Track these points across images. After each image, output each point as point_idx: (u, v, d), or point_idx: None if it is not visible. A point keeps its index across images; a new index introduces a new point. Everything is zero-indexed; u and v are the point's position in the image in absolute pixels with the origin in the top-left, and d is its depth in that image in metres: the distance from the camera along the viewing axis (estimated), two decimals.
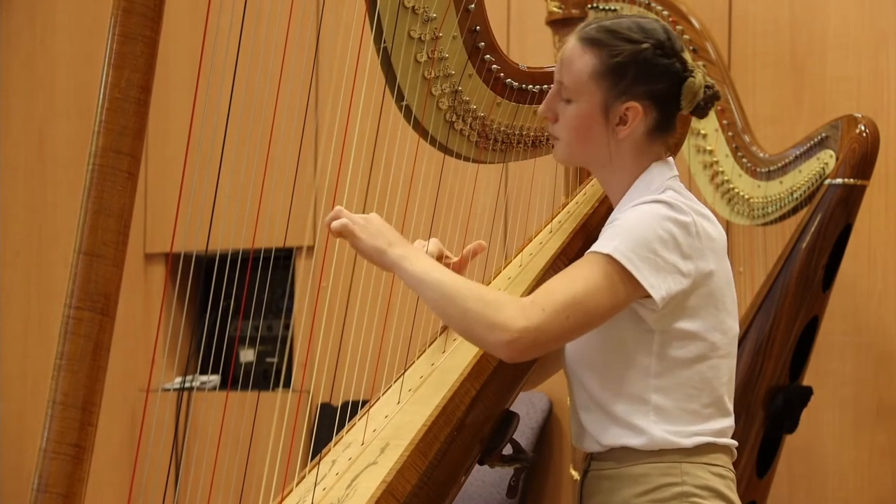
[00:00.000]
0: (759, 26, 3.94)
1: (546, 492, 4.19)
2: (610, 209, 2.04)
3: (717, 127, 3.50)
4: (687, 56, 1.97)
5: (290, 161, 2.27)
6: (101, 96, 1.56)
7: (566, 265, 2.01)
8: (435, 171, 2.17)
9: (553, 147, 2.02)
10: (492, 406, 1.98)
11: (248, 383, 4.57)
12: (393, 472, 1.83)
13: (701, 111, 2.00)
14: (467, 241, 2.19)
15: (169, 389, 4.62)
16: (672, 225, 1.85)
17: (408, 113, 2.10)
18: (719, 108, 3.48)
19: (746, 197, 3.50)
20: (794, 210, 3.43)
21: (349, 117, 2.07)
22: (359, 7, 2.03)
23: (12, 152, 5.35)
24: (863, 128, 3.34)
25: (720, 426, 1.93)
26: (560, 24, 3.39)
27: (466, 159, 2.21)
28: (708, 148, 3.53)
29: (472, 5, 2.09)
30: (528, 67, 2.19)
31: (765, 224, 3.52)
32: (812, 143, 3.41)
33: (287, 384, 4.64)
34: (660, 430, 1.89)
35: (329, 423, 3.94)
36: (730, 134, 3.51)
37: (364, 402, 2.10)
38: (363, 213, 1.94)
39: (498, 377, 1.99)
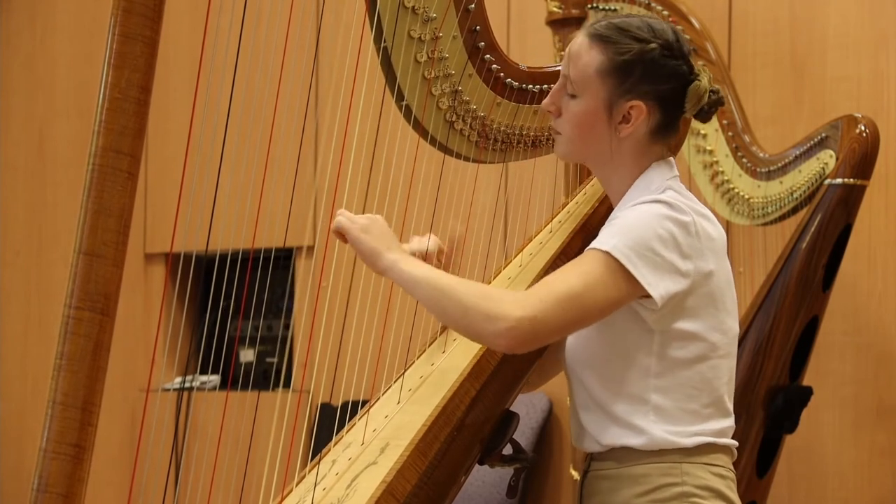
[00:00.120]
0: (759, 26, 3.94)
1: (546, 492, 4.19)
2: (610, 209, 2.04)
3: (717, 127, 3.50)
4: (694, 59, 1.97)
5: (290, 161, 2.27)
6: (101, 96, 1.56)
7: None
8: (435, 171, 2.17)
9: (554, 143, 2.02)
10: (492, 406, 1.98)
11: (248, 383, 4.57)
12: (393, 472, 1.83)
13: (704, 115, 2.00)
14: (467, 241, 2.19)
15: (169, 389, 4.62)
16: (672, 224, 1.85)
17: (408, 113, 2.10)
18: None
19: (746, 197, 3.50)
20: (794, 210, 3.43)
21: (349, 117, 2.07)
22: (359, 7, 2.03)
23: (12, 152, 5.35)
24: (863, 128, 3.34)
25: (720, 426, 1.93)
26: (560, 24, 3.39)
27: (466, 159, 2.21)
28: (708, 148, 3.53)
29: (472, 5, 2.09)
30: (528, 67, 2.19)
31: (765, 224, 3.52)
32: (812, 143, 3.41)
33: (287, 384, 4.64)
34: (660, 431, 1.89)
35: (329, 423, 3.94)
36: (730, 134, 3.51)
37: (364, 402, 2.10)
38: (363, 213, 1.94)
39: (498, 377, 1.99)
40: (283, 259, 4.66)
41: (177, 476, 4.25)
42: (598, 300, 1.82)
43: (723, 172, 3.51)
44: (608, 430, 1.92)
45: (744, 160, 3.49)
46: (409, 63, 2.06)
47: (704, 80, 1.96)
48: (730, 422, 1.95)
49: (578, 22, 3.32)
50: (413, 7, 2.04)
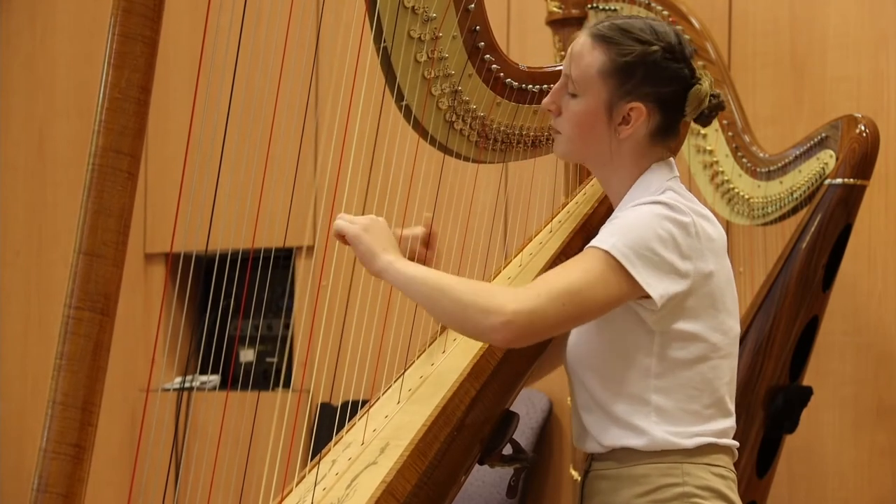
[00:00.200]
0: (759, 26, 3.94)
1: (546, 492, 4.19)
2: (610, 209, 2.04)
3: (717, 127, 3.50)
4: (696, 63, 1.97)
5: (289, 160, 2.27)
6: (101, 96, 1.56)
7: None
8: (435, 171, 2.17)
9: (553, 142, 2.02)
10: (492, 406, 1.98)
11: (248, 383, 4.57)
12: (393, 472, 1.83)
13: (705, 119, 2.00)
14: (467, 241, 2.19)
15: (169, 389, 4.62)
16: (671, 225, 1.85)
17: (408, 113, 2.10)
18: None
19: (746, 197, 3.50)
20: (794, 210, 3.43)
21: (349, 117, 2.07)
22: (359, 7, 2.03)
23: (12, 152, 5.35)
24: (863, 128, 3.34)
25: (721, 427, 1.93)
26: (560, 24, 3.39)
27: (466, 159, 2.21)
28: (708, 148, 3.53)
29: (472, 5, 2.09)
30: (528, 67, 2.18)
31: (765, 224, 3.51)
32: (812, 143, 3.41)
33: (287, 384, 4.63)
34: (661, 431, 1.89)
35: (329, 422, 3.94)
36: (730, 134, 3.51)
37: (364, 402, 2.10)
38: (363, 213, 1.94)
39: (498, 377, 1.99)
40: (283, 259, 4.66)
41: (177, 476, 4.25)
42: (596, 297, 1.82)
43: (723, 172, 3.51)
44: (609, 430, 1.92)
45: (744, 160, 3.49)
46: (409, 63, 2.06)
47: (706, 84, 1.96)
48: (731, 422, 1.95)
49: (578, 22, 3.32)
50: (413, 7, 2.04)
